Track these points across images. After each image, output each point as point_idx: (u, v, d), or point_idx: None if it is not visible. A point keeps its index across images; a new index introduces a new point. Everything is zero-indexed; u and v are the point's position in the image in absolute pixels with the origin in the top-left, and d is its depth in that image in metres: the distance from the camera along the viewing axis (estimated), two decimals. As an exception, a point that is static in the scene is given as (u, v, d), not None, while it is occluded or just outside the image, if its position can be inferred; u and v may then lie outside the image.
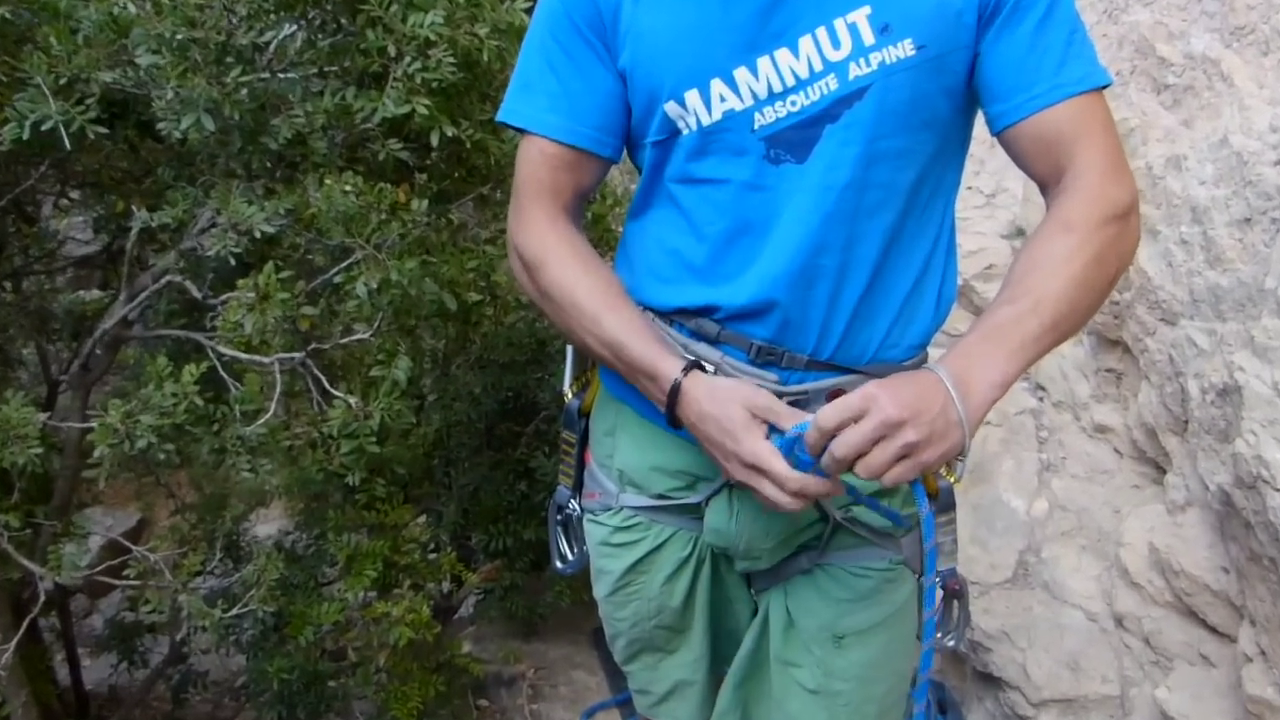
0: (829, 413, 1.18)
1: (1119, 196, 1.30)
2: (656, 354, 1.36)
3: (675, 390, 1.33)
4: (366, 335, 2.18)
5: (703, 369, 1.36)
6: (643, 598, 1.67)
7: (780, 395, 1.36)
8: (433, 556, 3.06)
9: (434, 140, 2.08)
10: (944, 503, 1.58)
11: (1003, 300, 1.29)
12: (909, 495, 1.57)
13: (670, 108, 1.37)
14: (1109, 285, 1.34)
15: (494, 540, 3.20)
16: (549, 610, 3.38)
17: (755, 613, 1.72)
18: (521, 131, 1.48)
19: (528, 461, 3.21)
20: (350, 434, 2.11)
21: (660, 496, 1.59)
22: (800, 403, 1.39)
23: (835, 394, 1.34)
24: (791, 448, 1.24)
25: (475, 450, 3.35)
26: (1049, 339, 1.28)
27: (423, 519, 3.33)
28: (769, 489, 1.25)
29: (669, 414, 1.34)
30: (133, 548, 2.18)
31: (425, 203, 2.12)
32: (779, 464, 1.24)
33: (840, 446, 1.17)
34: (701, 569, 1.65)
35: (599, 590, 1.75)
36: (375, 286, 2.02)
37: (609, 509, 1.65)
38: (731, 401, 1.28)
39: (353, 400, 2.12)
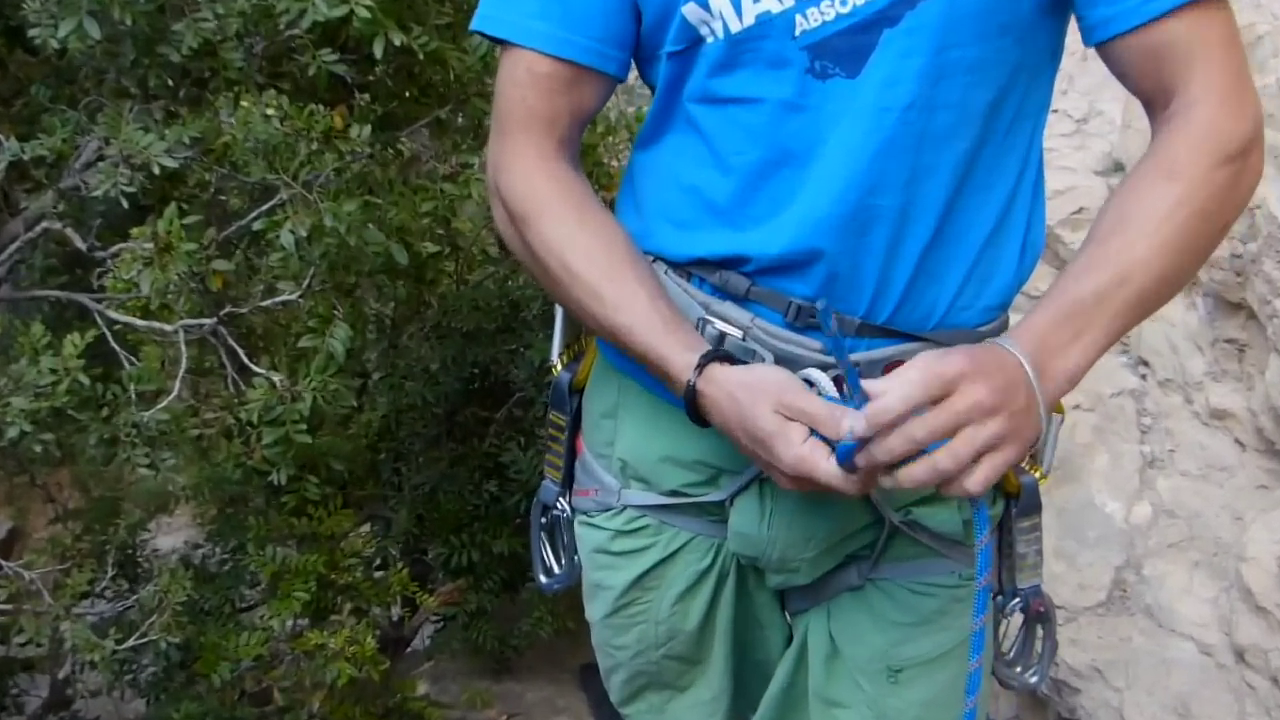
0: (905, 388, 1.19)
1: (1237, 130, 1.31)
2: (666, 347, 1.36)
3: (691, 394, 1.35)
4: (294, 296, 2.18)
5: (728, 359, 1.37)
6: (649, 620, 1.67)
7: (825, 368, 1.36)
8: (379, 575, 3.07)
9: (377, 50, 2.07)
10: (1027, 504, 1.58)
11: (1084, 266, 1.30)
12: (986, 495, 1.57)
13: (690, 10, 1.36)
14: (1216, 241, 1.35)
15: (456, 554, 3.21)
16: (525, 641, 3.40)
17: (790, 640, 1.72)
18: (503, 44, 1.46)
19: (498, 455, 3.21)
20: (274, 420, 2.11)
21: (673, 493, 1.59)
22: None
23: (893, 367, 1.33)
24: (850, 455, 1.25)
25: (432, 441, 3.35)
26: (1135, 316, 1.30)
27: (366, 527, 3.33)
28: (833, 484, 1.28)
29: (690, 415, 1.37)
30: (2, 563, 2.18)
31: (367, 129, 2.12)
32: (830, 470, 1.25)
33: (920, 427, 1.18)
34: (724, 584, 1.65)
35: (594, 611, 1.75)
36: (305, 235, 2.02)
37: (608, 509, 1.65)
38: (758, 404, 1.29)
39: (277, 378, 2.12)
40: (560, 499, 1.75)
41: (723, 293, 1.44)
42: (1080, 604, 2.69)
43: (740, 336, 1.40)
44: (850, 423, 1.22)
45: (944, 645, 1.59)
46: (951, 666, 1.60)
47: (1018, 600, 1.65)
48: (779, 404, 1.28)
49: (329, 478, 2.77)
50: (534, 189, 1.45)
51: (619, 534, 1.65)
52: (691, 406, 1.35)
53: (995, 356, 1.23)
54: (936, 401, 1.18)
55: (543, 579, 1.85)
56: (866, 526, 1.55)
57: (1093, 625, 2.64)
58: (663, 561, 1.63)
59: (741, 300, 1.42)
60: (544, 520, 1.80)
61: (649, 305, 1.40)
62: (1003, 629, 1.74)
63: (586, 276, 1.41)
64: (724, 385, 1.32)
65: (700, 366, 1.34)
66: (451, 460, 3.30)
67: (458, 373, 3.23)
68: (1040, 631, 1.68)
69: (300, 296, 2.19)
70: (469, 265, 3.34)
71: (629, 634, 1.70)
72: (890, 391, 1.19)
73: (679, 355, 1.36)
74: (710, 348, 1.37)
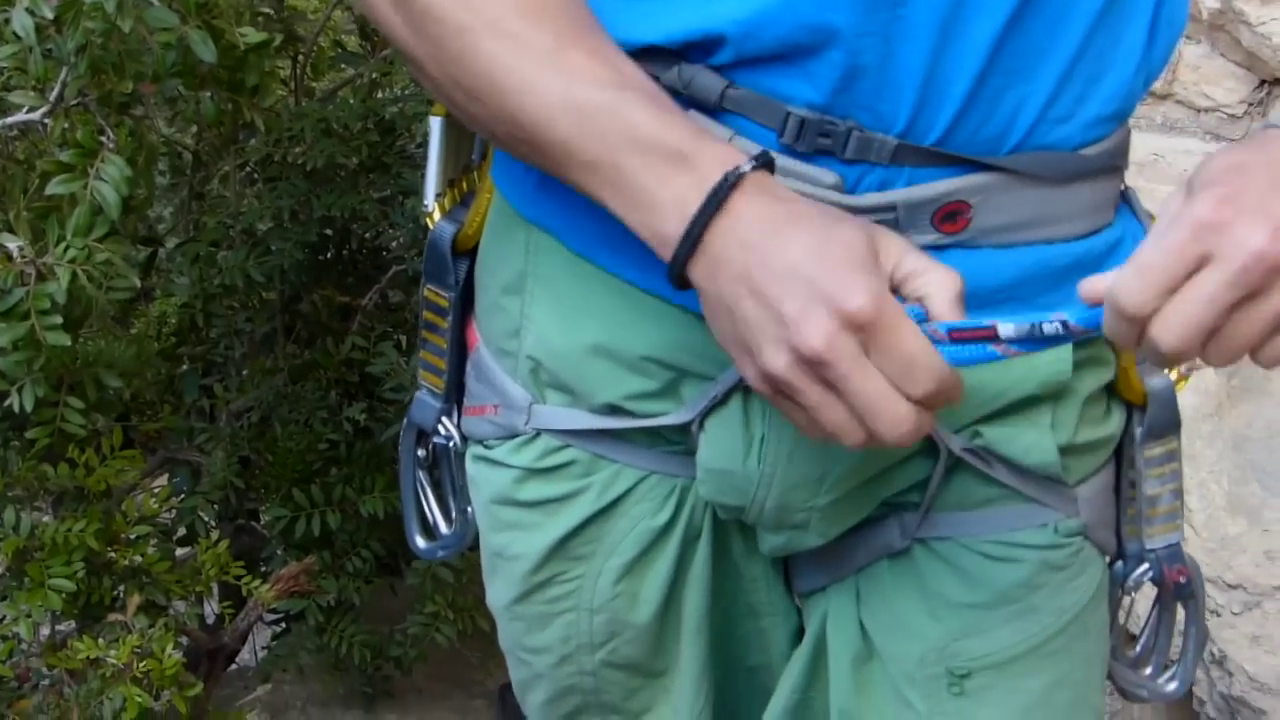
0: (1147, 272, 1.16)
1: None
2: (688, 128, 1.32)
3: (723, 190, 1.28)
4: (37, 116, 2.18)
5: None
6: (580, 607, 1.70)
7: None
8: (183, 551, 3.07)
9: None
10: (1159, 419, 1.62)
11: None
12: (1093, 404, 1.59)
13: None
14: None
15: (303, 518, 3.22)
16: (413, 651, 3.42)
17: (800, 634, 1.75)
18: None
19: (365, 364, 3.22)
20: (10, 311, 2.12)
21: (611, 410, 1.61)
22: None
23: (952, 209, 1.36)
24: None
25: (263, 344, 3.35)
26: None
27: (163, 480, 3.33)
28: (895, 409, 1.24)
29: (689, 246, 1.33)
30: None
31: None
32: (925, 347, 1.22)
33: (1180, 322, 1.16)
34: (692, 551, 1.68)
35: (496, 594, 1.78)
36: (51, 15, 2.02)
37: (514, 435, 1.67)
38: (848, 222, 1.27)
39: (14, 244, 2.11)
40: (444, 420, 1.79)
41: (685, 99, 1.42)
42: (1268, 582, 2.74)
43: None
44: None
45: (1032, 637, 1.62)
46: (1045, 670, 1.63)
47: (1146, 568, 1.69)
48: (873, 236, 1.25)
49: (100, 402, 2.76)
50: None
51: (531, 473, 1.67)
52: (700, 227, 1.31)
53: (1259, 150, 1.22)
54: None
55: (420, 542, 1.90)
56: (910, 458, 1.57)
57: (1285, 615, 2.69)
58: (598, 516, 1.66)
59: (714, 111, 1.42)
60: (420, 454, 1.83)
61: (637, 73, 1.37)
62: (1124, 610, 1.77)
63: (535, 35, 1.36)
64: (783, 200, 1.28)
65: (758, 164, 1.28)
66: (293, 373, 3.30)
67: (300, 236, 3.20)
68: (1182, 614, 1.71)
69: (47, 116, 2.18)
70: (318, 65, 3.31)
71: (550, 629, 1.73)
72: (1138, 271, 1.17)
73: (709, 143, 1.31)
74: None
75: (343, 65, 3.41)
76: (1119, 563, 1.69)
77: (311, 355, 3.31)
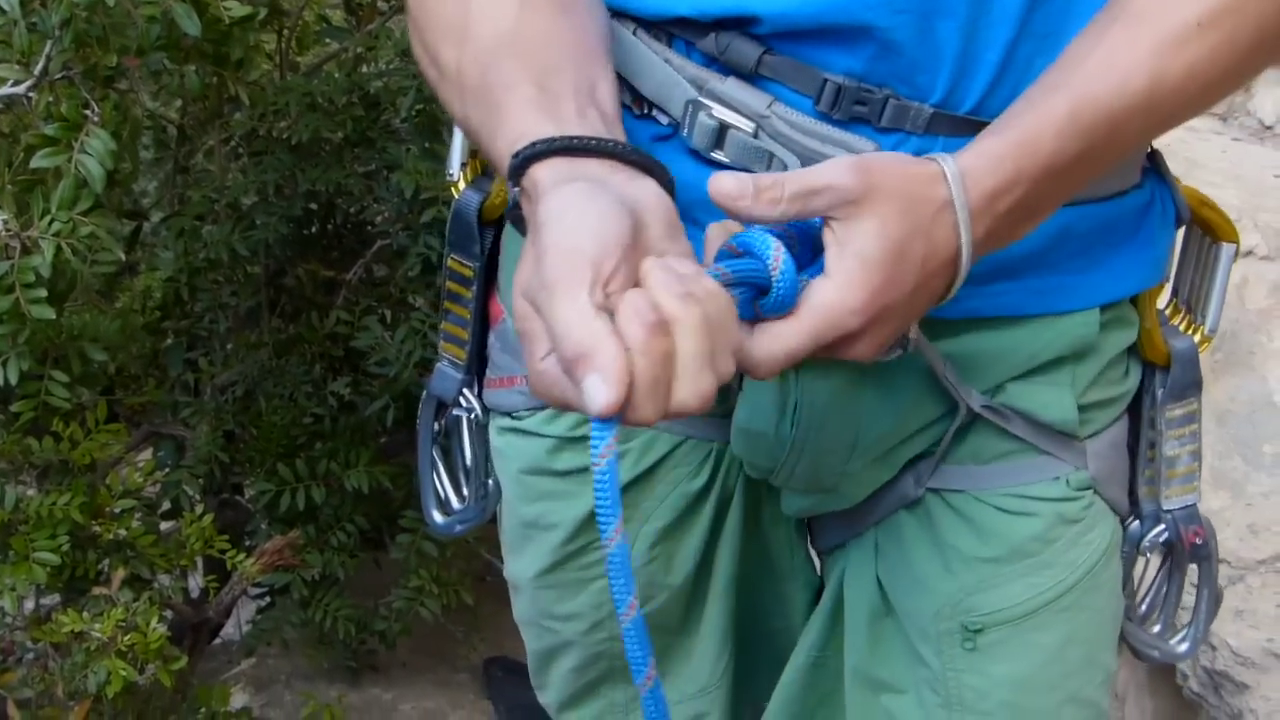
0: (777, 340, 1.22)
1: None
2: (513, 111, 1.29)
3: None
4: (22, 89, 2.17)
5: (584, 148, 1.30)
6: None
7: None
8: (168, 525, 3.06)
9: None
10: (1181, 379, 1.63)
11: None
12: (1114, 364, 1.61)
13: None
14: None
15: (287, 492, 3.21)
16: (398, 626, 3.42)
17: (818, 594, 1.76)
18: None
19: (350, 339, 3.21)
20: None
21: None
22: None
23: None
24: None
25: (247, 318, 3.33)
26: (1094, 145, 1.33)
27: (148, 453, 3.32)
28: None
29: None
30: None
31: None
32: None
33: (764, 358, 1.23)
34: (726, 514, 1.69)
35: (523, 566, 1.78)
36: None
37: (546, 406, 1.67)
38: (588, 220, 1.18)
39: (0, 218, 2.10)
40: (465, 392, 1.78)
41: (723, 65, 1.43)
42: (1251, 556, 2.73)
43: (750, 131, 1.41)
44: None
45: (1045, 592, 1.62)
46: (1057, 626, 1.64)
47: (1162, 528, 1.70)
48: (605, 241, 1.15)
49: (85, 375, 2.74)
50: None
51: (566, 442, 1.67)
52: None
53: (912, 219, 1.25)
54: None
55: (437, 517, 1.87)
56: (938, 419, 1.58)
57: (1270, 588, 2.69)
58: (635, 481, 1.66)
59: (749, 76, 1.42)
60: (438, 426, 1.82)
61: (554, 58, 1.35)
62: (1138, 571, 1.77)
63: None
64: (551, 198, 1.18)
65: (532, 155, 1.21)
66: (278, 347, 3.29)
67: (285, 210, 3.19)
68: (1196, 574, 1.71)
69: (32, 89, 2.17)
70: (302, 40, 3.29)
71: (583, 595, 1.74)
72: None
73: (521, 121, 1.27)
74: (572, 135, 1.25)
75: (328, 39, 3.39)
76: (1135, 523, 1.70)
77: (296, 330, 3.30)
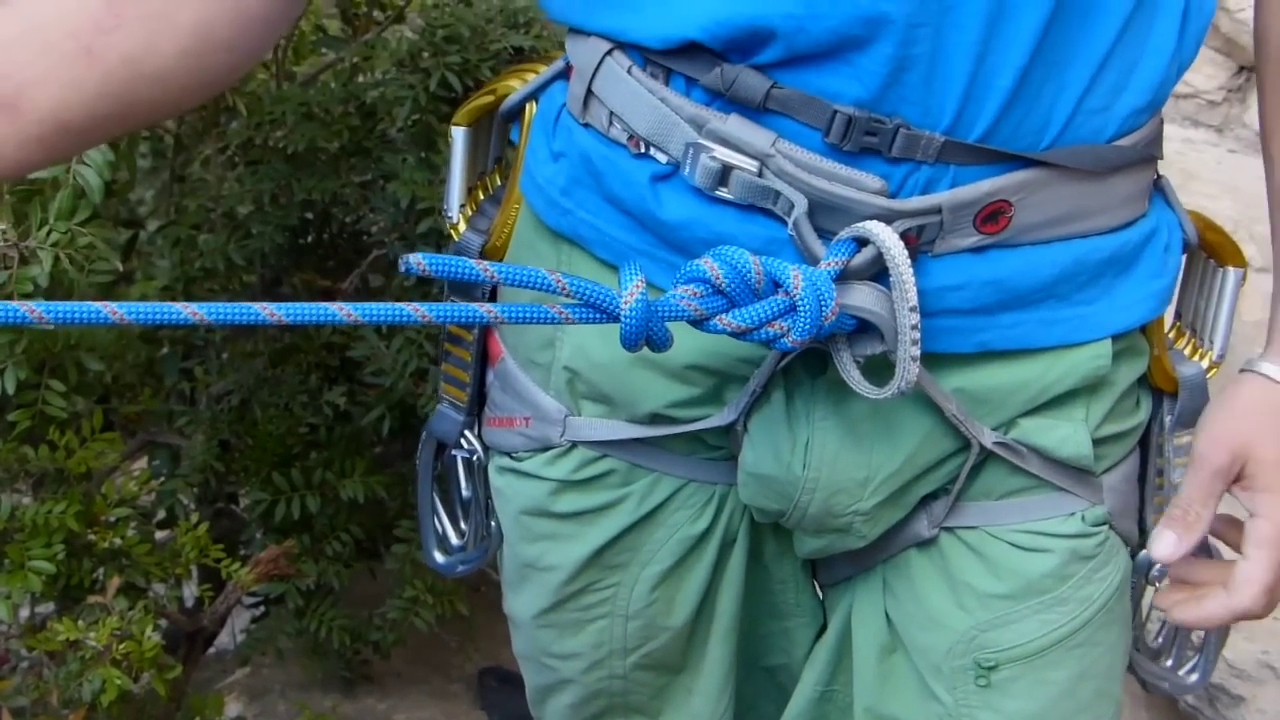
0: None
1: None
2: None
3: None
4: None
5: None
6: (614, 613, 1.71)
7: (890, 217, 1.36)
8: (163, 534, 3.06)
9: None
10: (1189, 408, 1.64)
11: None
12: (1126, 396, 1.63)
13: None
14: None
15: (282, 502, 3.20)
16: (392, 636, 3.41)
17: (821, 630, 1.76)
18: None
19: (345, 349, 3.20)
20: None
21: (654, 419, 1.60)
22: (921, 232, 1.39)
23: (994, 209, 1.37)
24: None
25: (243, 327, 3.29)
26: None
27: (142, 462, 3.31)
28: None
29: None
30: None
31: None
32: None
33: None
34: (728, 556, 1.68)
35: (523, 605, 1.78)
36: None
37: (547, 448, 1.67)
38: None
39: None
40: (466, 433, 1.78)
41: (726, 101, 1.42)
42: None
43: (755, 170, 1.39)
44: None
45: (1059, 629, 1.62)
46: (1071, 662, 1.64)
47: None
48: None
49: (81, 385, 2.73)
50: None
51: (567, 485, 1.67)
52: None
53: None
54: None
55: (438, 557, 1.89)
56: (952, 455, 1.58)
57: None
58: (636, 525, 1.66)
59: (757, 112, 1.41)
60: (437, 469, 1.83)
61: None
62: (1146, 601, 1.78)
63: None
64: None
65: None
66: (273, 356, 3.27)
67: (280, 219, 3.17)
68: None
69: None
70: (296, 49, 3.29)
71: (582, 635, 1.74)
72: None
73: None
74: None
75: (324, 49, 3.37)
76: (1144, 552, 1.69)
77: (292, 339, 3.28)
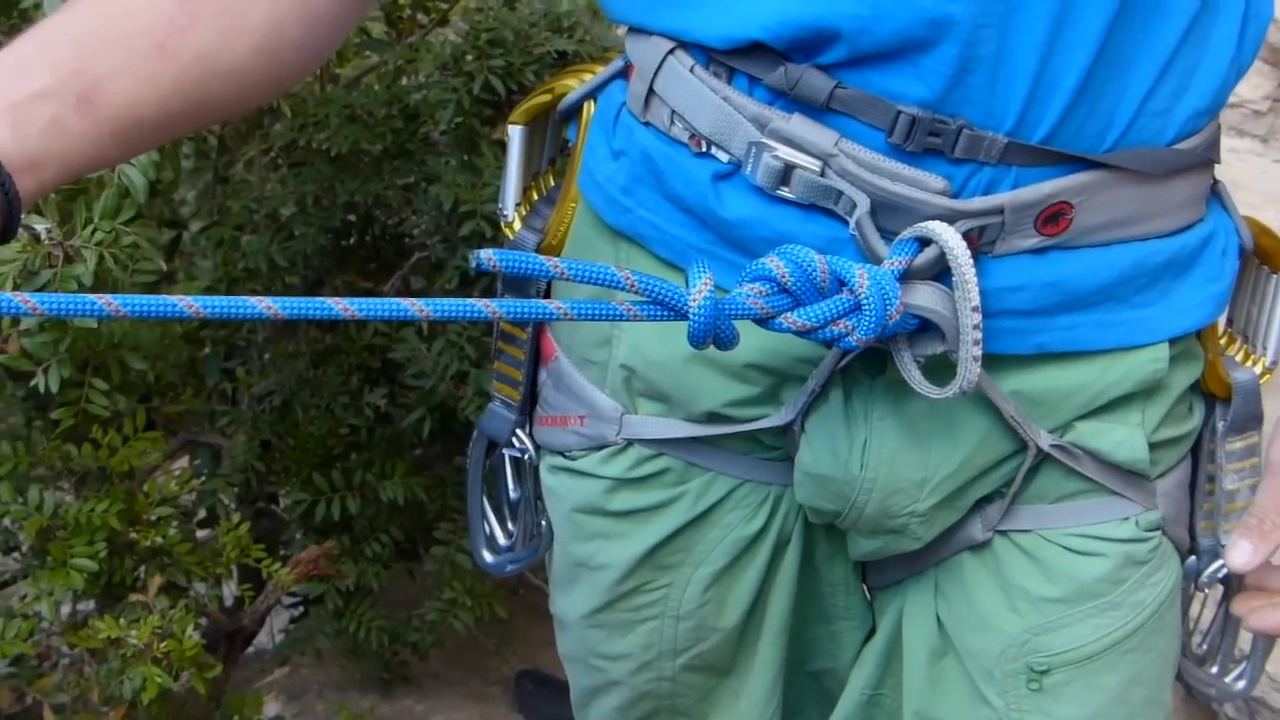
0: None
1: None
2: None
3: None
4: None
5: None
6: (665, 614, 1.71)
7: (952, 218, 1.36)
8: (204, 533, 3.07)
9: None
10: (1242, 413, 1.62)
11: None
12: (1181, 401, 1.62)
13: None
14: None
15: (322, 502, 3.21)
16: (430, 638, 3.42)
17: (870, 633, 1.75)
18: None
19: (387, 350, 3.20)
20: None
21: (710, 418, 1.60)
22: (983, 233, 1.39)
23: (1055, 210, 1.37)
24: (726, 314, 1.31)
25: (285, 326, 3.32)
26: None
27: (184, 461, 3.33)
28: None
29: None
30: None
31: None
32: None
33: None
34: (782, 557, 1.68)
35: (573, 605, 1.78)
36: None
37: (602, 446, 1.67)
38: None
39: (42, 226, 2.09)
40: (518, 432, 1.78)
41: (789, 100, 1.42)
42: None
43: (817, 170, 1.40)
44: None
45: (1113, 633, 1.61)
46: (1123, 667, 1.63)
47: (1220, 564, 1.68)
48: None
49: (124, 384, 2.75)
50: None
51: (621, 484, 1.67)
52: None
53: None
54: None
55: (486, 556, 1.88)
56: (1009, 457, 1.57)
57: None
58: (690, 524, 1.66)
59: (820, 111, 1.41)
60: (487, 465, 1.82)
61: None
62: (1195, 609, 1.77)
63: None
64: None
65: None
66: (315, 357, 3.29)
67: (323, 221, 3.18)
68: None
69: None
70: (340, 52, 3.29)
71: (632, 636, 1.74)
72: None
73: None
74: None
75: (368, 52, 3.38)
76: (1192, 558, 1.69)
77: (333, 340, 3.29)
